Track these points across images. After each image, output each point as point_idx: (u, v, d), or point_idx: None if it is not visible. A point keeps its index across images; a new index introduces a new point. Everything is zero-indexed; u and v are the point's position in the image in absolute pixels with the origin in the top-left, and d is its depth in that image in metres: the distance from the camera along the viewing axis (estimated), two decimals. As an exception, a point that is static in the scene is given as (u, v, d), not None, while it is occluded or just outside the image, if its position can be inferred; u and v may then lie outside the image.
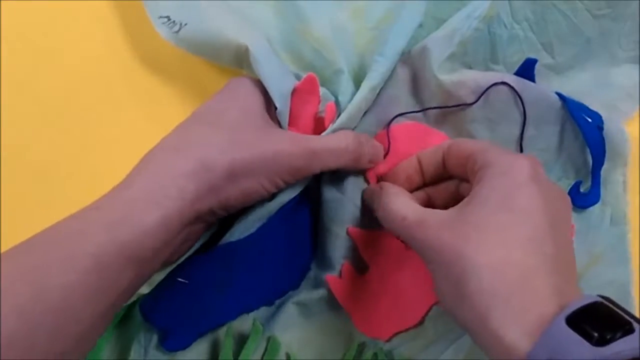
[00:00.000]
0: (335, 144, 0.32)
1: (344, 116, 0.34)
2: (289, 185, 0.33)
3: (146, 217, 0.26)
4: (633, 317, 0.22)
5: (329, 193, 0.35)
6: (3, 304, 0.22)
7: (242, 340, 0.35)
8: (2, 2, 0.39)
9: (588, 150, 0.36)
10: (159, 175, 0.28)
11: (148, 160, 0.29)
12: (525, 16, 0.37)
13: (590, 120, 0.36)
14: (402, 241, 0.35)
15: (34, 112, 0.38)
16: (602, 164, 0.36)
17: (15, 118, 0.38)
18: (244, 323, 0.35)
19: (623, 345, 0.21)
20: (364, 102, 0.35)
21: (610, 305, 0.23)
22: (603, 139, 0.36)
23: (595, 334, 0.21)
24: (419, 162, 0.34)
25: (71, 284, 0.24)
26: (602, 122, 0.36)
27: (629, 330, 0.22)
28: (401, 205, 0.30)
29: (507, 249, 0.25)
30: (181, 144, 0.30)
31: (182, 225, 0.28)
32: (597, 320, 0.22)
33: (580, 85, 0.39)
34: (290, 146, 0.31)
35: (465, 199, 0.28)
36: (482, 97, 0.35)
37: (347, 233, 0.35)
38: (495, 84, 0.35)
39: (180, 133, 0.30)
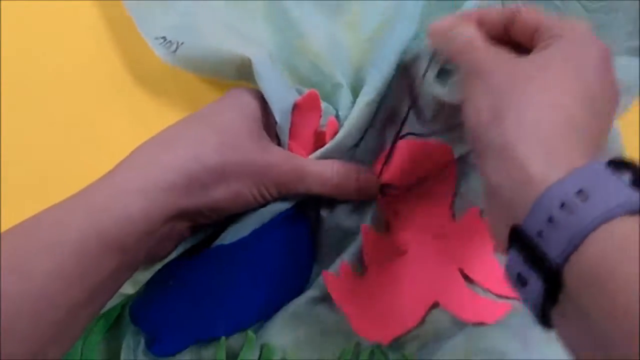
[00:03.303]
0: (321, 171, 0.33)
1: (341, 134, 0.33)
2: (279, 198, 0.33)
3: (130, 205, 0.26)
4: None
5: (330, 199, 0.35)
6: None
7: (234, 353, 0.33)
8: (2, 2, 0.39)
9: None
10: (147, 167, 0.28)
11: (136, 153, 0.29)
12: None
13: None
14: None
15: (34, 112, 0.39)
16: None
17: (15, 118, 0.38)
18: (237, 336, 0.34)
19: None
20: (362, 119, 0.33)
21: None
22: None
23: (633, 177, 0.20)
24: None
25: (51, 270, 0.24)
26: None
27: None
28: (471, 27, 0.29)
29: (559, 93, 0.24)
30: (173, 140, 0.30)
31: (166, 218, 0.28)
32: (633, 169, 0.21)
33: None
34: (281, 161, 0.31)
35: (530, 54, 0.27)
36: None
37: (360, 231, 0.35)
38: None
39: (173, 130, 0.31)
